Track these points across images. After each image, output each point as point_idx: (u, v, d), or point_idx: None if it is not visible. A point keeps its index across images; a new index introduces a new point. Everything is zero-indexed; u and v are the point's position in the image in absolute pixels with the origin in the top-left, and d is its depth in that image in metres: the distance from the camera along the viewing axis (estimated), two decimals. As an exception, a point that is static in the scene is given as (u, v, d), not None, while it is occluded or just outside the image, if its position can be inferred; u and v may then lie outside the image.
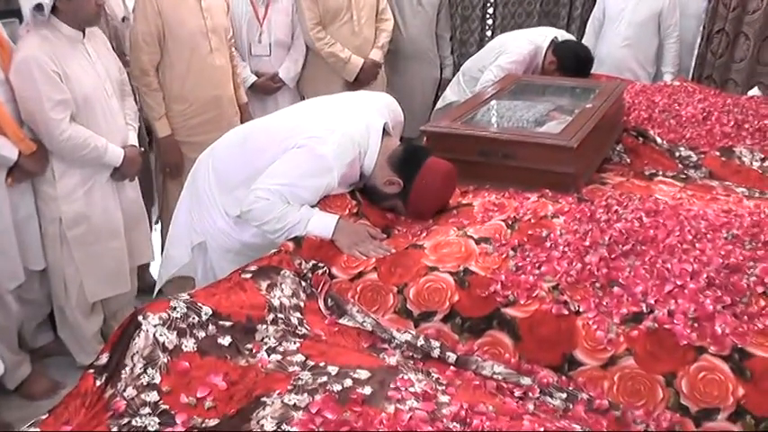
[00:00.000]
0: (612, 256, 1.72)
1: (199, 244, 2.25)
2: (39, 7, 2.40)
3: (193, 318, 1.55)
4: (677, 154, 2.58)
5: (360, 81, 3.64)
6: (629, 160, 2.56)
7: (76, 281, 2.75)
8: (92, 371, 1.46)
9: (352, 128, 2.03)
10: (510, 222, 1.91)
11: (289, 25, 3.57)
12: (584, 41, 4.16)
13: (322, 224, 1.94)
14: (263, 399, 1.35)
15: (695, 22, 4.20)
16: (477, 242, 1.83)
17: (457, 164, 2.27)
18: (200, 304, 1.58)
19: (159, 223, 3.39)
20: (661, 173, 2.45)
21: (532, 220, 1.91)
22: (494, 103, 2.59)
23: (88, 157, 2.58)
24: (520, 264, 1.72)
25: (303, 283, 1.80)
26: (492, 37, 4.30)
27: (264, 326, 1.59)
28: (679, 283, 1.60)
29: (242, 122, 3.22)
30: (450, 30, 4.38)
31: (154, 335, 1.49)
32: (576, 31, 4.36)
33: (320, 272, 1.86)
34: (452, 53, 4.42)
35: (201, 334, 1.53)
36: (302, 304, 1.74)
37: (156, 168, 3.31)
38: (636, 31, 3.98)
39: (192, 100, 3.03)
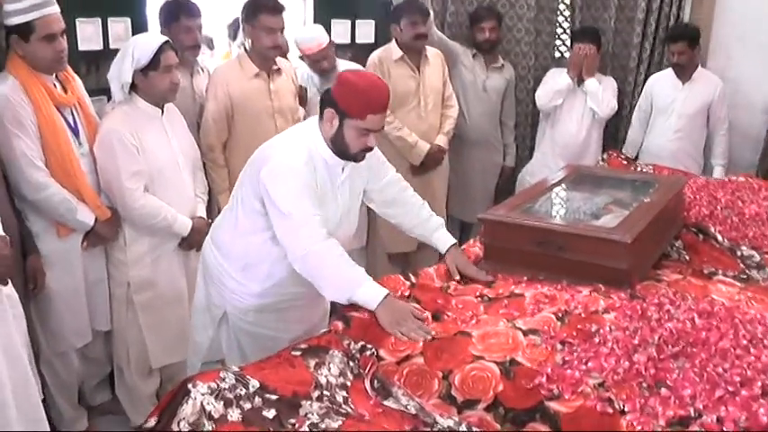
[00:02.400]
0: (661, 356, 1.69)
1: (220, 321, 2.39)
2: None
3: (241, 389, 1.59)
4: (739, 253, 2.52)
5: (425, 165, 3.71)
6: (687, 257, 2.52)
7: (138, 343, 2.85)
8: (141, 434, 1.53)
9: (291, 134, 2.30)
10: (560, 315, 1.92)
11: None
12: (630, 132, 4.24)
13: (371, 294, 2.00)
14: (298, 476, 1.38)
15: (761, 116, 4.18)
16: (526, 333, 1.84)
17: (512, 253, 2.31)
18: (248, 377, 1.63)
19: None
20: (720, 272, 2.40)
21: (583, 315, 1.91)
22: (552, 193, 2.61)
23: (158, 226, 2.72)
24: (567, 358, 1.71)
25: (351, 364, 1.83)
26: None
27: (309, 402, 1.62)
28: (730, 389, 1.57)
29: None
30: (515, 117, 4.40)
31: (201, 403, 1.54)
32: (622, 122, 4.41)
33: (368, 353, 1.88)
34: (516, 140, 4.45)
35: (247, 405, 1.57)
36: (348, 383, 1.77)
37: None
38: (687, 123, 4.02)
39: None
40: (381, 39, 4.11)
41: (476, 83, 4.10)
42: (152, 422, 1.54)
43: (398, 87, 3.64)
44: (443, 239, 2.41)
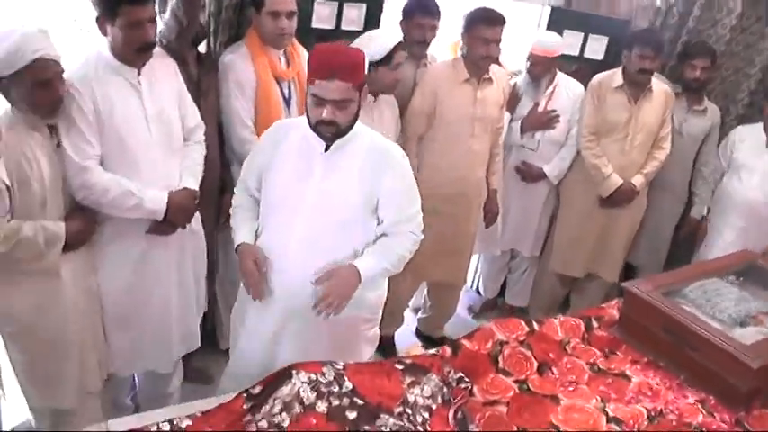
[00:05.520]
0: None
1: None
2: None
3: (335, 387, 1.84)
4: None
5: (612, 201, 3.65)
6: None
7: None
8: (244, 395, 1.83)
9: None
10: (653, 414, 1.94)
11: (565, 126, 3.71)
12: None
13: (236, 242, 2.23)
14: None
15: None
16: (609, 420, 1.90)
17: (643, 331, 2.32)
18: (345, 377, 1.87)
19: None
20: None
21: (674, 423, 1.91)
22: (709, 281, 2.51)
23: None
24: (634, 461, 1.76)
25: (444, 390, 2.00)
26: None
27: (388, 416, 1.82)
28: None
29: (485, 207, 3.51)
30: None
31: (298, 389, 1.81)
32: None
33: (463, 385, 2.04)
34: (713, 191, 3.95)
35: (336, 402, 1.82)
36: (434, 407, 1.94)
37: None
38: None
39: (441, 173, 3.29)
40: (610, 57, 4.02)
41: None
42: (257, 389, 1.84)
43: (609, 116, 3.59)
44: (362, 258, 2.16)
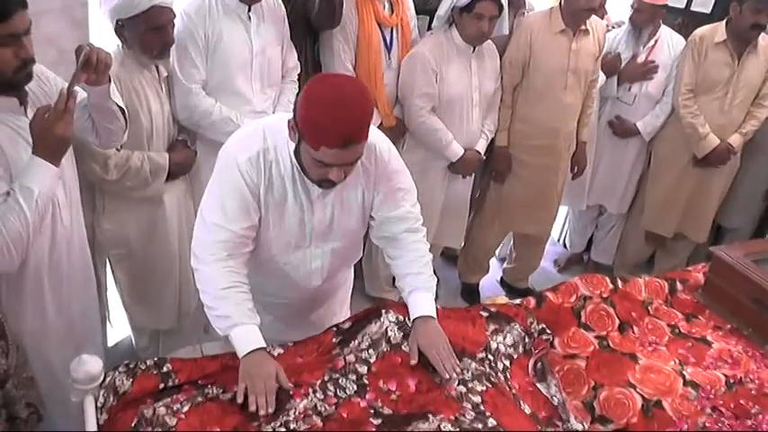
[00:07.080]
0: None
1: None
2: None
3: (421, 329, 1.92)
4: None
5: (708, 160, 3.55)
6: None
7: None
8: (334, 329, 1.94)
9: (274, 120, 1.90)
10: (731, 382, 1.95)
11: (662, 81, 3.60)
12: None
13: (243, 340, 1.74)
14: (429, 415, 1.65)
15: None
16: (686, 384, 1.93)
17: (729, 297, 2.31)
18: (433, 322, 1.94)
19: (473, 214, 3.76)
20: None
21: (753, 392, 1.92)
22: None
23: (432, 145, 3.09)
24: (707, 424, 1.79)
25: (526, 340, 2.06)
26: None
27: (471, 361, 1.88)
28: None
29: (572, 159, 3.48)
30: None
31: (386, 328, 1.90)
32: None
33: (545, 337, 2.11)
34: None
35: (420, 343, 1.90)
36: (515, 356, 2.00)
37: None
38: None
39: (533, 124, 3.28)
40: (718, 11, 3.80)
41: None
42: (347, 325, 1.95)
43: (709, 73, 3.44)
44: (418, 304, 1.91)
